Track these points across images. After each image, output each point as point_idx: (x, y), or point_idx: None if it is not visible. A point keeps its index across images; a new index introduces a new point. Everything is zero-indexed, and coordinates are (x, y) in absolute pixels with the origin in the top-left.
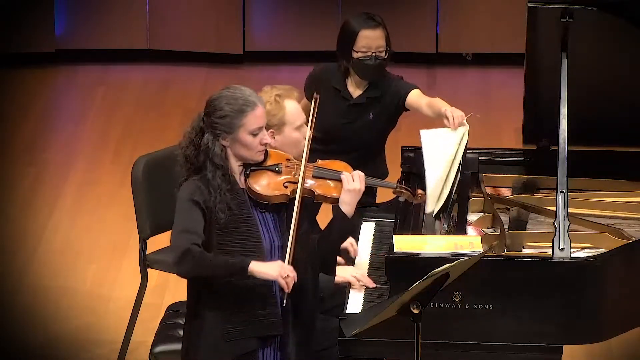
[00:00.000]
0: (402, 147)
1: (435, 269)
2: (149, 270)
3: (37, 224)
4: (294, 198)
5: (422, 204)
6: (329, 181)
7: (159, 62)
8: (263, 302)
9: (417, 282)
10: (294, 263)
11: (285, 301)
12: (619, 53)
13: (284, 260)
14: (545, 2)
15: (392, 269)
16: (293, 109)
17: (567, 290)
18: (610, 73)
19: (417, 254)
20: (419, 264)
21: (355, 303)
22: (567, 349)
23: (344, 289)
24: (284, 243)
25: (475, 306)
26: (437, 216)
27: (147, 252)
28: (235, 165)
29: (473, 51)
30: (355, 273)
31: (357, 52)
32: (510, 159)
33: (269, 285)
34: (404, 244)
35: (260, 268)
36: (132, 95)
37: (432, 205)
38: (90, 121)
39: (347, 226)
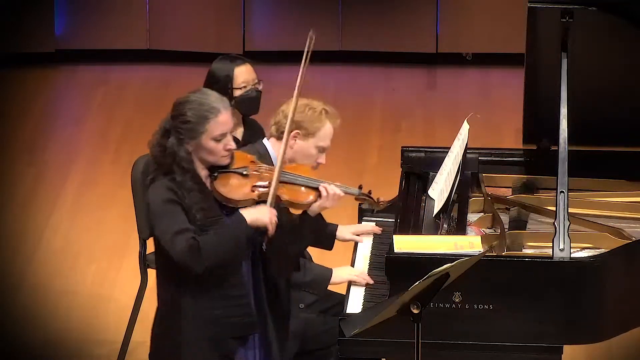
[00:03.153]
0: (402, 147)
1: (435, 269)
2: (149, 270)
3: (37, 224)
4: (261, 202)
5: (423, 204)
6: (298, 187)
7: (159, 62)
8: (237, 303)
9: (417, 282)
10: (268, 269)
11: (265, 245)
12: (619, 53)
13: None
14: (545, 2)
15: (392, 269)
16: (328, 130)
17: (567, 290)
18: (610, 73)
19: (417, 254)
20: (419, 264)
21: (355, 303)
22: (567, 349)
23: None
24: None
25: (475, 306)
26: (437, 216)
27: (147, 252)
28: (201, 169)
29: (473, 51)
30: (353, 273)
31: (239, 89)
32: (510, 159)
33: (242, 285)
34: (404, 244)
35: (250, 216)
36: (132, 95)
37: (439, 207)
38: (90, 121)
39: (314, 225)
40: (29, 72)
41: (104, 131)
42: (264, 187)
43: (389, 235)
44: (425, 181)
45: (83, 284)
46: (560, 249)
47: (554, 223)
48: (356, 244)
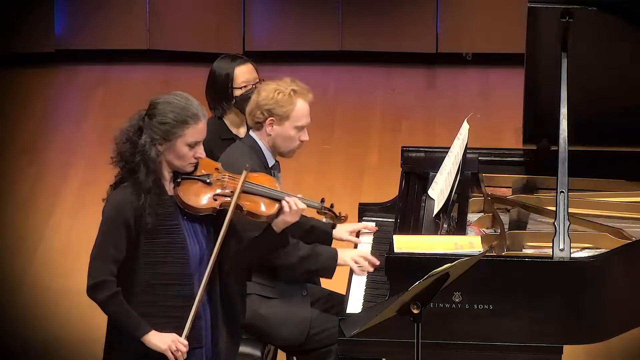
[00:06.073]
0: (402, 147)
1: (435, 269)
2: None
3: (37, 224)
4: (223, 210)
5: (423, 204)
6: (260, 198)
7: (159, 62)
8: (185, 313)
9: (417, 282)
10: (221, 276)
11: None
12: (619, 53)
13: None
14: (545, 2)
15: (392, 269)
16: (302, 108)
17: (567, 290)
18: (610, 73)
19: (417, 254)
20: (419, 264)
21: (355, 303)
22: (567, 349)
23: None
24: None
25: (475, 306)
26: (437, 216)
27: None
28: (166, 172)
29: (473, 51)
30: (356, 256)
31: (240, 89)
32: (510, 159)
33: (190, 297)
34: (404, 244)
35: (152, 340)
36: (132, 95)
37: (439, 207)
38: (90, 121)
39: (278, 242)
40: (29, 72)
41: (104, 131)
42: (226, 196)
43: (389, 235)
44: (425, 181)
45: (83, 284)
46: (560, 249)
47: (554, 223)
48: (355, 245)
